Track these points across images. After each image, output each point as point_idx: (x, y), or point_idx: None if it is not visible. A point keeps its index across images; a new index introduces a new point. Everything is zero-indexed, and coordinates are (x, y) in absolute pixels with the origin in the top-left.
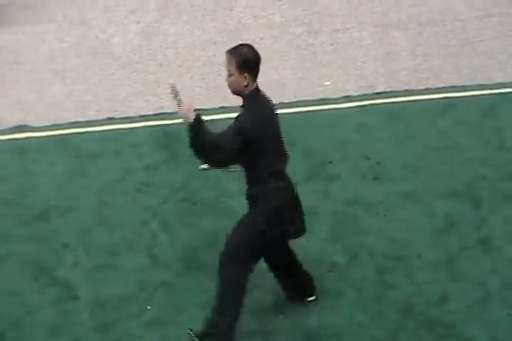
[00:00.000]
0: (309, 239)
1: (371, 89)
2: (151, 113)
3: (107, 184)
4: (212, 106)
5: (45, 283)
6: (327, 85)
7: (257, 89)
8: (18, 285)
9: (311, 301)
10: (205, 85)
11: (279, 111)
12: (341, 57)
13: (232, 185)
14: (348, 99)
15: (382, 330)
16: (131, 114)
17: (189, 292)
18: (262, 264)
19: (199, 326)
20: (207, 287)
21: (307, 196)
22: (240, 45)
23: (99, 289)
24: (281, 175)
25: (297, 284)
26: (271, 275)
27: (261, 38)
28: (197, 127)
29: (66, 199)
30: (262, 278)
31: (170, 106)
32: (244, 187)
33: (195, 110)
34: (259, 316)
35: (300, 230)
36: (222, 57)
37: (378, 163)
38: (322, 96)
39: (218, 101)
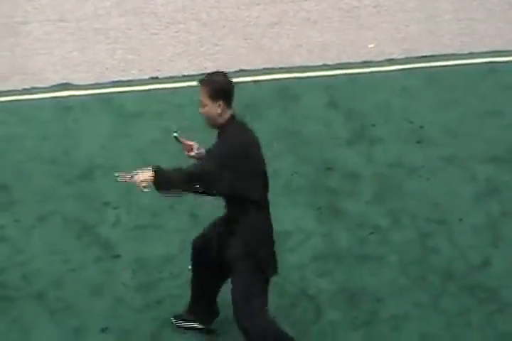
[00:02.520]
0: (352, 201)
1: (414, 52)
2: (194, 73)
3: (150, 144)
4: (255, 67)
5: (87, 241)
6: (370, 48)
7: (232, 118)
8: (61, 244)
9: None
10: (248, 46)
11: (322, 74)
12: (385, 20)
13: (276, 146)
14: (391, 62)
15: (424, 294)
16: (174, 73)
17: None
18: None
19: None
20: None
21: (350, 159)
22: (212, 73)
23: (141, 249)
24: (263, 205)
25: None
26: None
27: (305, 0)
28: (162, 178)
29: (109, 158)
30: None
31: (213, 66)
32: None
33: None
34: (302, 278)
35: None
36: (266, 19)
37: (421, 127)
38: (365, 58)
39: (261, 62)
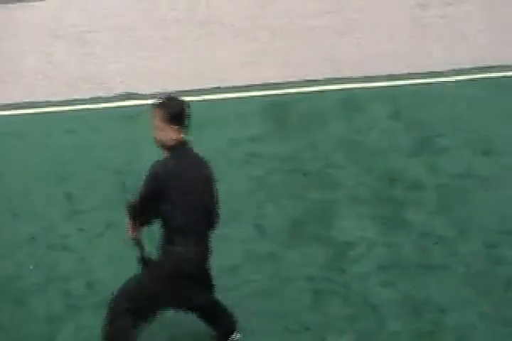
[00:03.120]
0: (416, 211)
1: (482, 62)
2: (259, 83)
3: (214, 153)
4: (323, 77)
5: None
6: (437, 58)
7: (183, 142)
8: (125, 252)
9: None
10: (316, 55)
11: (388, 84)
12: (452, 30)
13: (340, 156)
14: (458, 72)
15: (488, 305)
16: (239, 83)
17: (295, 263)
18: None
19: (305, 298)
20: (313, 259)
21: (414, 169)
22: (168, 97)
23: None
24: (195, 238)
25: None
26: None
27: (372, 7)
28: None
29: None
30: None
31: (279, 76)
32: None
33: None
34: (365, 288)
35: (200, 302)
36: (335, 28)
37: (488, 137)
38: (432, 69)
39: (329, 72)
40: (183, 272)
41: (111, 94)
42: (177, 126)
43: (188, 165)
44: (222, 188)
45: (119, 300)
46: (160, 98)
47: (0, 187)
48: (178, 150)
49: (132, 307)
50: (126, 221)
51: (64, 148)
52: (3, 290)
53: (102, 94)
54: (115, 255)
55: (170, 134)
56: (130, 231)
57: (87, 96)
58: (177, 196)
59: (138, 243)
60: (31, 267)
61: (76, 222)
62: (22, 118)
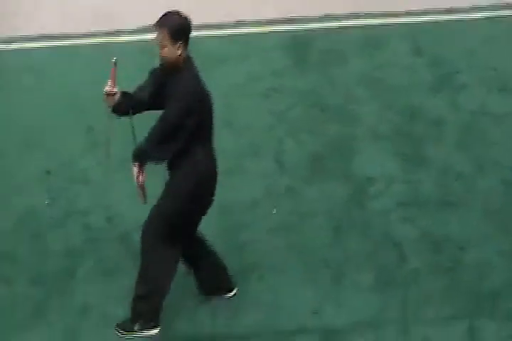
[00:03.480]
0: (436, 147)
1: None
2: (279, 17)
3: (234, 88)
4: (341, 12)
5: None
6: None
7: (189, 57)
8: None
9: (231, 296)
10: None
11: (407, 20)
12: None
13: (361, 92)
14: (477, 9)
15: (507, 243)
16: (260, 18)
17: (314, 199)
18: None
19: (324, 234)
20: (333, 195)
21: (434, 105)
22: (168, 13)
23: (226, 193)
24: (208, 142)
25: (209, 278)
26: None
27: None
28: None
29: None
30: None
31: (299, 11)
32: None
33: None
34: (385, 224)
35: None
36: None
37: (504, 75)
38: (451, 5)
39: (347, 7)
40: (210, 179)
41: (128, 27)
42: (180, 42)
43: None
44: (241, 123)
45: (150, 230)
46: (161, 16)
47: (17, 121)
48: (190, 66)
49: (166, 235)
50: (133, 166)
51: (82, 82)
52: (20, 225)
53: (119, 27)
54: (134, 190)
55: (177, 52)
56: (138, 178)
57: (105, 29)
58: (204, 111)
59: (143, 188)
60: (47, 202)
61: (95, 155)
62: (39, 52)
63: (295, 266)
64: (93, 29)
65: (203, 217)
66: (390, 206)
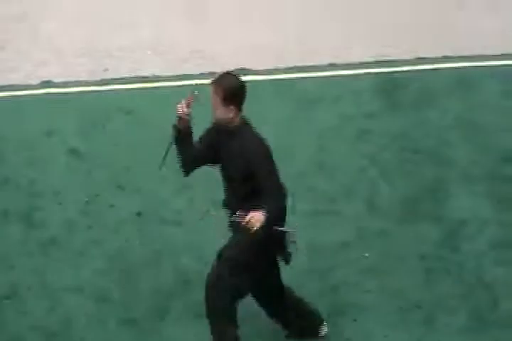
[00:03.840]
0: None
1: None
2: (372, 60)
3: (327, 130)
4: (434, 56)
5: None
6: None
7: (245, 122)
8: None
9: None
10: (427, 34)
11: (501, 63)
12: None
13: (453, 134)
14: None
15: None
16: (352, 60)
17: (407, 241)
18: None
19: (417, 276)
20: (426, 237)
21: None
22: (224, 75)
23: (317, 234)
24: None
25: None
26: None
27: None
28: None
29: (285, 143)
30: None
31: (393, 53)
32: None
33: None
34: (478, 267)
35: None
36: (446, 4)
37: None
38: None
39: (440, 50)
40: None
41: (222, 69)
42: (235, 107)
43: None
44: (334, 164)
45: (222, 275)
46: (218, 75)
47: (108, 162)
48: (248, 128)
49: (235, 283)
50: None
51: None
52: (112, 265)
53: (213, 69)
54: (223, 231)
55: (229, 115)
56: None
57: (197, 72)
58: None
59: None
60: (137, 242)
61: (186, 197)
62: (131, 94)
63: (387, 309)
64: (186, 71)
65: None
66: (483, 248)
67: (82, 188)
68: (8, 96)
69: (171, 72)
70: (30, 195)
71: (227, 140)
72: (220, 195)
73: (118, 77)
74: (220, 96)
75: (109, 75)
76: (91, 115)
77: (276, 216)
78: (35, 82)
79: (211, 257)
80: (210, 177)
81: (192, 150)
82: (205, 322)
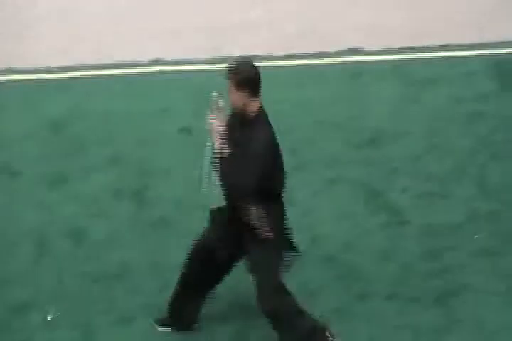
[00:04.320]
0: None
1: None
2: (485, 41)
3: (438, 111)
4: None
5: (375, 207)
6: None
7: (260, 111)
8: (349, 208)
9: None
10: None
11: None
12: None
13: None
14: None
15: None
16: (465, 41)
17: None
18: None
19: None
20: None
21: None
22: (239, 61)
23: (428, 216)
24: (280, 198)
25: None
26: None
27: None
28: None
29: (397, 125)
30: None
31: (504, 35)
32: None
33: None
34: None
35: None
36: None
37: None
38: None
39: None
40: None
41: (335, 49)
42: (249, 92)
43: (273, 133)
44: (445, 146)
45: (272, 278)
46: (234, 61)
47: None
48: (261, 122)
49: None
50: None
51: (287, 102)
52: None
53: (327, 49)
54: (339, 210)
55: (242, 100)
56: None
57: (311, 51)
58: (278, 164)
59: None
60: None
61: (300, 177)
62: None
63: (499, 290)
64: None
65: None
66: None
67: (193, 167)
68: (121, 74)
69: (283, 51)
70: (141, 173)
71: (241, 127)
72: (336, 175)
73: (231, 55)
74: (234, 81)
75: (221, 54)
76: (203, 94)
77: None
78: (147, 59)
79: (323, 236)
80: (324, 156)
81: None
82: (318, 300)
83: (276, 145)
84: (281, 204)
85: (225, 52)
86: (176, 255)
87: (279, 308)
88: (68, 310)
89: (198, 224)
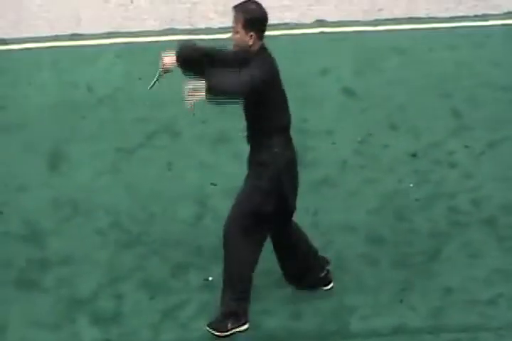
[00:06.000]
0: None
1: None
2: None
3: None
4: None
5: None
6: None
7: (263, 48)
8: (511, 170)
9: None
10: None
11: None
12: None
13: None
14: None
15: None
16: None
17: None
18: None
19: None
20: None
21: None
22: (248, 1)
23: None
24: (286, 131)
25: (297, 271)
26: None
27: None
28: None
29: None
30: None
31: None
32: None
33: None
34: None
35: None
36: None
37: None
38: None
39: None
40: (288, 171)
41: (498, 12)
42: (256, 33)
43: (275, 67)
44: None
45: (234, 220)
46: (241, 1)
47: (381, 101)
48: (261, 54)
49: (246, 229)
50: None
51: (446, 64)
52: (385, 206)
53: (487, 11)
54: (501, 172)
55: (248, 41)
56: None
57: (472, 14)
58: (274, 97)
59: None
60: (411, 185)
61: (462, 139)
62: (405, 34)
63: None
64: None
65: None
66: None
67: (356, 128)
68: (283, 34)
69: (444, 13)
70: (302, 134)
71: (244, 62)
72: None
73: (392, 17)
74: (241, 21)
75: (383, 15)
76: (365, 54)
77: (215, 86)
78: (309, 21)
79: (485, 198)
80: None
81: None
82: (478, 262)
83: (277, 74)
84: (286, 139)
85: (385, 15)
86: (338, 215)
87: (228, 238)
88: None
89: (360, 184)
